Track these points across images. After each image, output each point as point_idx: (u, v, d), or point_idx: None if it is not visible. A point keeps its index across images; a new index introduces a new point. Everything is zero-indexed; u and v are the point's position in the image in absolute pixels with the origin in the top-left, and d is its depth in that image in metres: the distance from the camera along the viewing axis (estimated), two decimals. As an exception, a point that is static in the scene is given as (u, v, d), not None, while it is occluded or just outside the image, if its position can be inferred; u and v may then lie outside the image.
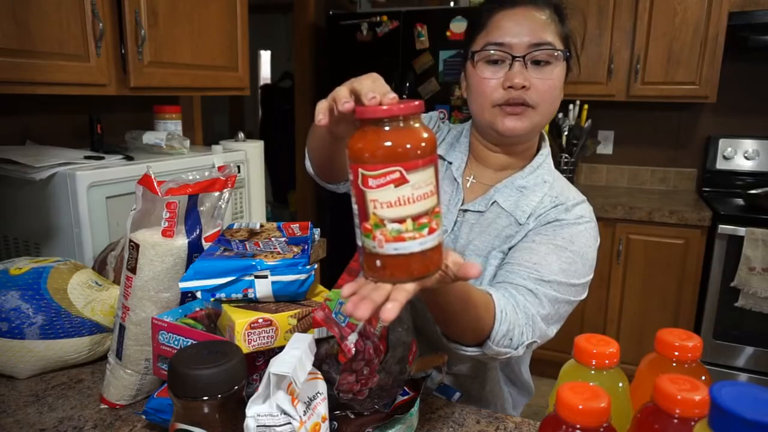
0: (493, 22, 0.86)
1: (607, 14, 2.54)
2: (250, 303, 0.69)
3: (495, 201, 0.91)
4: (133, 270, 0.74)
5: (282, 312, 0.66)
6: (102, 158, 1.27)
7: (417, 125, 0.49)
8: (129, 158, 1.33)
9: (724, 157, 2.71)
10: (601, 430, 0.44)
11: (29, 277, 0.87)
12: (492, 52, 0.84)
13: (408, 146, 0.47)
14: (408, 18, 2.71)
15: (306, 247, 0.75)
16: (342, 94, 0.54)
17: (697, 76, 2.46)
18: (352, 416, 0.68)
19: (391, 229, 0.48)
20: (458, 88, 2.62)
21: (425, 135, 0.49)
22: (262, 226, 0.84)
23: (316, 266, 0.72)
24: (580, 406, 0.44)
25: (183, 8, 1.47)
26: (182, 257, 0.75)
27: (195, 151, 1.55)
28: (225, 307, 0.68)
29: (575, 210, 0.88)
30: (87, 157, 1.25)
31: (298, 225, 0.82)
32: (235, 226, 0.84)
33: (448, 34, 2.64)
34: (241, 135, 1.72)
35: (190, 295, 0.75)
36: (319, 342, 0.64)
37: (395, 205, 0.47)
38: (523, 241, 0.86)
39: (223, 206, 0.80)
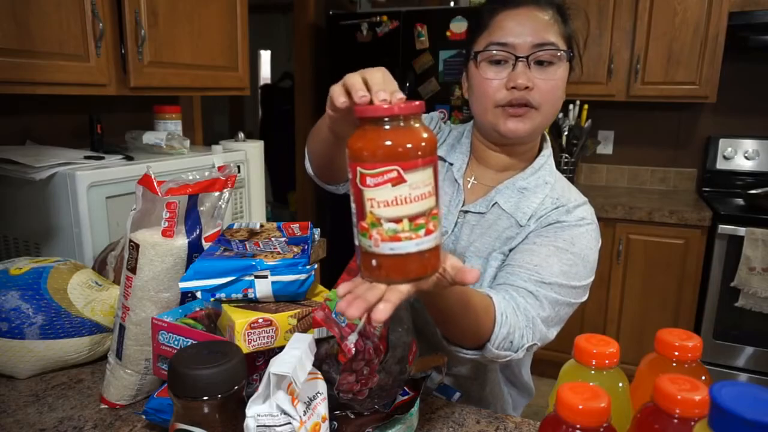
0: (495, 22, 0.85)
1: (607, 14, 2.54)
2: (250, 303, 0.69)
3: (496, 202, 0.91)
4: (133, 270, 0.74)
5: (282, 312, 0.66)
6: (102, 158, 1.27)
7: (417, 125, 0.49)
8: (129, 158, 1.33)
9: (724, 157, 2.71)
10: (601, 430, 0.44)
11: (29, 277, 0.87)
12: (495, 52, 0.84)
13: (407, 146, 0.47)
14: (408, 18, 2.71)
15: (306, 247, 0.75)
16: (358, 85, 0.53)
17: (697, 76, 2.46)
18: (352, 416, 0.68)
19: (387, 229, 0.48)
20: (459, 88, 2.62)
21: (425, 135, 0.49)
22: (262, 226, 0.84)
23: (316, 266, 0.72)
24: (580, 406, 0.44)
25: (183, 8, 1.47)
26: (182, 257, 0.75)
27: (195, 151, 1.54)
28: (225, 307, 0.68)
29: (576, 212, 0.88)
30: (87, 157, 1.25)
31: (298, 225, 0.82)
32: (235, 226, 0.84)
33: (448, 34, 2.64)
34: (241, 135, 1.72)
35: (190, 295, 0.75)
36: (319, 342, 0.64)
37: (392, 204, 0.47)
38: (524, 242, 0.86)
39: (223, 206, 0.80)
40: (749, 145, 2.66)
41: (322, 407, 0.57)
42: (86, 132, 1.44)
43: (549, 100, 0.85)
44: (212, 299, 0.69)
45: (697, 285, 2.37)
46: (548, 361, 2.05)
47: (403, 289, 0.50)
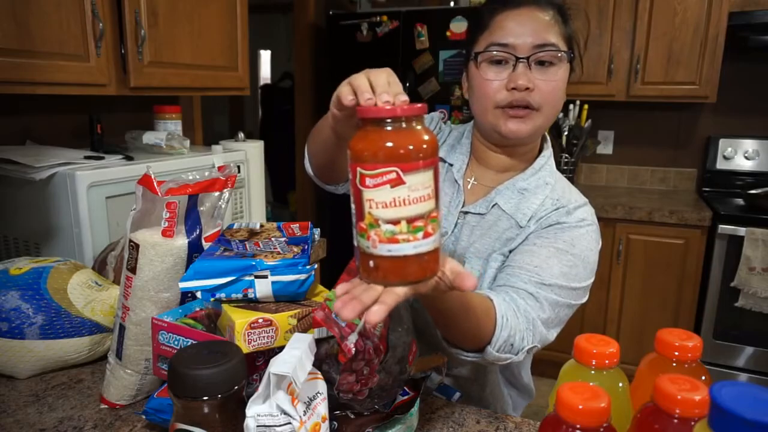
0: (495, 22, 0.85)
1: (607, 14, 2.54)
2: (250, 303, 0.69)
3: (496, 203, 0.90)
4: (133, 270, 0.74)
5: (282, 312, 0.66)
6: (102, 158, 1.27)
7: (419, 127, 0.49)
8: (129, 158, 1.33)
9: (724, 157, 2.71)
10: (601, 430, 0.44)
11: (29, 277, 0.87)
12: (495, 52, 0.84)
13: (408, 148, 0.47)
14: (408, 18, 2.71)
15: (306, 247, 0.75)
16: (364, 87, 0.54)
17: (697, 76, 2.46)
18: (352, 416, 0.68)
19: (385, 230, 0.48)
20: (459, 89, 2.62)
21: (426, 137, 0.49)
22: (262, 226, 0.84)
23: (316, 266, 0.72)
24: (580, 406, 0.44)
25: (183, 8, 1.47)
26: (182, 257, 0.75)
27: (195, 151, 1.55)
28: (225, 307, 0.68)
29: (577, 213, 0.87)
30: (87, 157, 1.25)
31: (298, 225, 0.82)
32: (235, 226, 0.84)
33: (448, 34, 2.64)
34: (241, 135, 1.72)
35: (190, 295, 0.75)
36: (319, 342, 0.64)
37: (390, 205, 0.47)
38: (524, 243, 0.86)
39: (223, 206, 0.80)
40: (749, 145, 2.66)
41: (322, 407, 0.57)
42: (86, 132, 1.44)
43: (550, 101, 0.85)
44: (212, 299, 0.69)
45: (697, 285, 2.37)
46: (548, 361, 2.05)
47: (400, 292, 0.50)
